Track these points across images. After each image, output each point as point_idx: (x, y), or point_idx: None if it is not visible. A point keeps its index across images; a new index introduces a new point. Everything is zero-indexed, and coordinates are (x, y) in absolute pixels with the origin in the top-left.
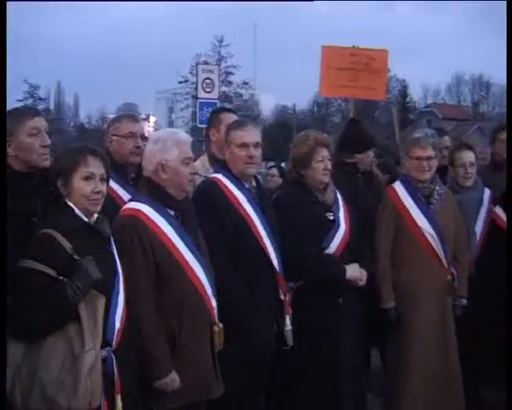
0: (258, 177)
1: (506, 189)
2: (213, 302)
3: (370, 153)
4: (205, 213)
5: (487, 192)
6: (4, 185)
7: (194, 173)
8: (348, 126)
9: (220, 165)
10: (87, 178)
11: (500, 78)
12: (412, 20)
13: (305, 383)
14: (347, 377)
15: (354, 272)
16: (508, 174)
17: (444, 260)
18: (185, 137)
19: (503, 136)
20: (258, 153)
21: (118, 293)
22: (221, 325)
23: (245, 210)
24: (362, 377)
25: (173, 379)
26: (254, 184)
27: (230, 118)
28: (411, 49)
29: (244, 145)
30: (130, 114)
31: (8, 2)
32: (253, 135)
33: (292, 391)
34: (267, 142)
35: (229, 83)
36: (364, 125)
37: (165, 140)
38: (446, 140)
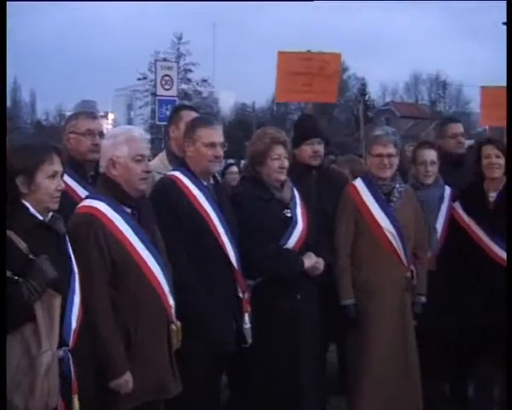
0: (217, 174)
1: (506, 189)
2: (171, 301)
3: (320, 147)
4: (162, 211)
5: (448, 189)
6: (4, 185)
7: (148, 171)
8: (297, 120)
9: (179, 162)
10: (51, 177)
11: (456, 78)
12: (371, 20)
13: (265, 380)
14: (307, 373)
15: (311, 260)
16: (508, 174)
17: (403, 258)
18: (138, 134)
19: (450, 132)
20: (222, 152)
21: (74, 292)
22: (179, 324)
23: (203, 207)
24: (322, 373)
25: (127, 380)
26: (212, 181)
27: (190, 115)
28: (370, 48)
29: (212, 144)
30: (88, 112)
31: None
32: (220, 134)
33: (251, 389)
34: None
35: (189, 80)
36: (314, 119)
37: (116, 136)
38: (460, 127)
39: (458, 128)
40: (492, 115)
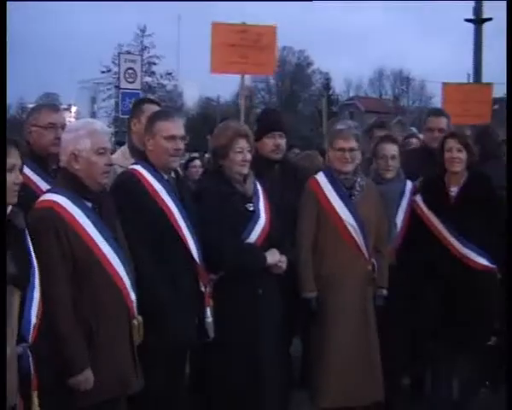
0: (178, 168)
1: (506, 188)
2: (132, 296)
3: (281, 140)
4: (123, 205)
5: (409, 184)
6: (4, 185)
7: (110, 165)
8: (260, 114)
9: (140, 156)
10: (9, 170)
11: (419, 73)
12: (336, 15)
13: (227, 374)
14: (268, 367)
15: (274, 256)
16: (508, 173)
17: (364, 251)
18: (100, 127)
19: (430, 124)
20: (183, 146)
21: (33, 287)
22: (140, 319)
23: (164, 201)
24: (284, 367)
25: (87, 377)
26: (173, 175)
27: (153, 109)
28: (335, 43)
29: (172, 138)
30: (50, 104)
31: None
32: (180, 127)
33: (213, 383)
34: (191, 133)
35: (153, 73)
36: (277, 112)
37: (77, 130)
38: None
39: (437, 123)
40: (454, 112)
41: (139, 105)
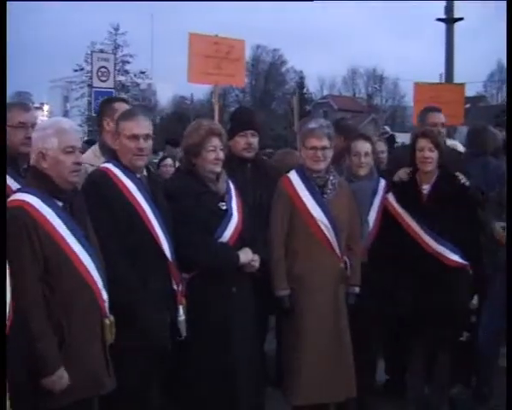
0: (150, 166)
1: (506, 187)
2: (104, 295)
3: (254, 139)
4: (94, 204)
5: (382, 182)
6: (4, 184)
7: (79, 163)
8: (233, 112)
9: (111, 154)
10: None
11: (392, 72)
12: (309, 14)
13: (200, 373)
14: (242, 366)
15: (247, 255)
16: (508, 173)
17: (337, 249)
18: (68, 125)
19: (432, 120)
20: (148, 145)
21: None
22: (112, 318)
23: (136, 200)
24: (258, 365)
25: (61, 376)
26: (145, 173)
27: (123, 107)
28: (308, 41)
29: (134, 137)
30: (20, 103)
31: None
32: (143, 126)
33: (187, 382)
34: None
35: (126, 72)
36: (249, 111)
37: (45, 128)
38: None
39: (438, 118)
40: None
41: (109, 104)
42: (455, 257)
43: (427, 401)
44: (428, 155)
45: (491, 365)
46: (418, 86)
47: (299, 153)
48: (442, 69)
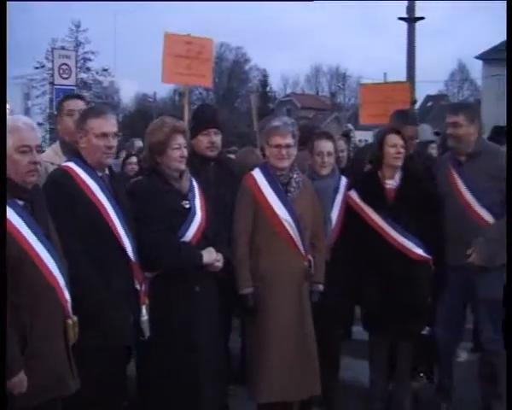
0: (112, 165)
1: (506, 188)
2: (66, 295)
3: (217, 138)
4: (56, 203)
5: (343, 179)
6: (4, 185)
7: (35, 162)
8: (195, 111)
9: (73, 153)
10: None
11: (355, 70)
12: (273, 12)
13: (163, 373)
14: (206, 364)
15: (211, 255)
16: (508, 172)
17: (301, 247)
18: (23, 123)
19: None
20: (115, 143)
21: None
22: (75, 318)
23: (98, 199)
24: (222, 364)
25: (21, 379)
26: (107, 172)
27: (73, 105)
28: (272, 39)
29: (104, 135)
30: None
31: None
32: (112, 125)
33: (151, 382)
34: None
35: (88, 69)
36: (212, 109)
37: None
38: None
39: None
40: (373, 112)
41: (62, 103)
42: (419, 251)
43: (391, 395)
44: (401, 150)
45: (449, 358)
46: (364, 87)
47: (261, 151)
48: (404, 68)
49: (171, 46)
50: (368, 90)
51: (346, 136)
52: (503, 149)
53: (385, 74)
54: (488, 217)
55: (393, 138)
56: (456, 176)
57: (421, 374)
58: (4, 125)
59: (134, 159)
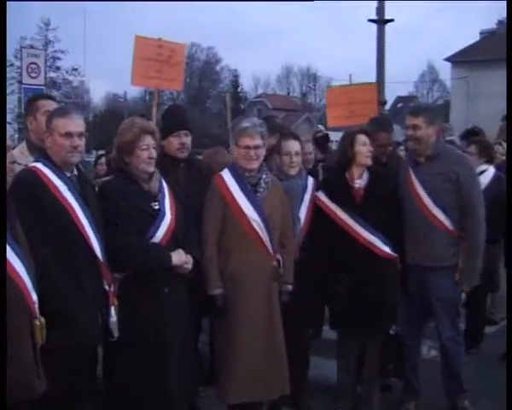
0: (80, 165)
1: (506, 187)
2: (34, 296)
3: (187, 139)
4: (24, 204)
5: (311, 180)
6: (4, 185)
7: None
8: (165, 112)
9: (40, 153)
10: None
11: (326, 71)
12: (244, 12)
13: (133, 373)
14: (175, 365)
15: (180, 257)
16: (508, 172)
17: (269, 247)
18: None
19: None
20: (81, 142)
21: None
22: (43, 320)
23: (65, 199)
24: (191, 365)
25: None
26: (76, 172)
27: (49, 105)
28: (243, 40)
29: (68, 134)
30: None
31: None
32: (77, 124)
33: (120, 383)
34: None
35: (58, 68)
36: (182, 110)
37: None
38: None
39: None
40: (340, 114)
41: (34, 102)
42: (386, 249)
43: (359, 394)
44: (370, 149)
45: (414, 356)
46: (331, 90)
47: (232, 151)
48: (374, 69)
49: (142, 49)
50: (334, 93)
51: (325, 141)
52: (471, 149)
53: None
54: (443, 218)
55: (364, 138)
56: (413, 177)
57: (391, 372)
58: (4, 124)
59: (103, 159)
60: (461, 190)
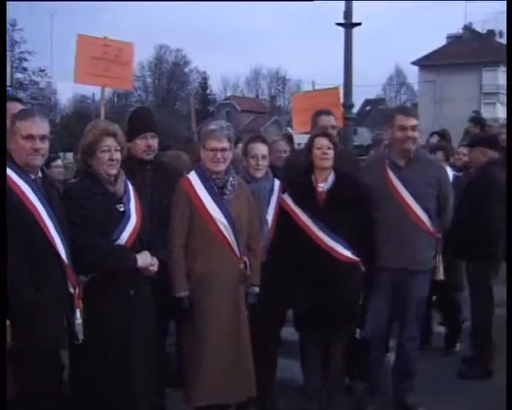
0: (44, 168)
1: (507, 188)
2: None
3: (153, 141)
4: None
5: (277, 182)
6: (4, 185)
7: None
8: (131, 114)
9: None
10: None
11: (295, 73)
12: (213, 14)
13: (99, 375)
14: (140, 368)
15: (145, 259)
16: (508, 172)
17: (236, 250)
18: None
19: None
20: (44, 145)
21: None
22: (8, 323)
23: (30, 201)
24: (158, 367)
25: None
26: (40, 174)
27: (16, 107)
28: (212, 42)
29: (30, 137)
30: None
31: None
32: (39, 127)
33: (84, 385)
34: (66, 132)
35: (24, 69)
36: (148, 112)
37: None
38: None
39: (329, 120)
40: (303, 121)
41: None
42: (347, 253)
43: (324, 396)
44: (327, 151)
45: (379, 359)
46: (295, 97)
47: (201, 154)
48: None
49: (86, 48)
50: (299, 99)
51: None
52: (438, 155)
53: (313, 82)
54: (426, 220)
55: (320, 141)
56: (395, 179)
57: (357, 375)
58: (4, 124)
59: (59, 162)
60: (440, 194)
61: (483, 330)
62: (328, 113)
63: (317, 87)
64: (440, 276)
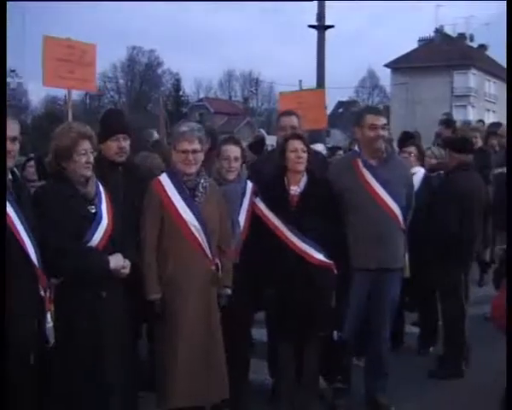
0: (15, 169)
1: (506, 187)
2: None
3: (125, 143)
4: None
5: (249, 184)
6: (4, 185)
7: None
8: (103, 115)
9: None
10: None
11: (268, 75)
12: (186, 15)
13: (70, 379)
14: (113, 371)
15: (118, 261)
16: (508, 172)
17: (207, 251)
18: None
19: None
20: (15, 147)
21: None
22: None
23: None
24: (130, 370)
25: None
26: (10, 177)
27: None
28: (185, 43)
29: None
30: None
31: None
32: (9, 129)
33: (56, 389)
34: (37, 133)
35: None
36: (120, 114)
37: None
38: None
39: (289, 121)
40: None
41: None
42: (319, 256)
43: (299, 399)
44: (302, 155)
45: (349, 361)
46: (282, 96)
47: (172, 155)
48: (313, 74)
49: (52, 49)
50: (285, 99)
51: (260, 144)
52: (411, 149)
53: (300, 82)
54: (402, 219)
55: (294, 143)
56: (370, 178)
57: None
58: (4, 123)
59: (33, 163)
60: (407, 193)
61: (454, 332)
62: (289, 113)
63: (290, 89)
64: (407, 273)
